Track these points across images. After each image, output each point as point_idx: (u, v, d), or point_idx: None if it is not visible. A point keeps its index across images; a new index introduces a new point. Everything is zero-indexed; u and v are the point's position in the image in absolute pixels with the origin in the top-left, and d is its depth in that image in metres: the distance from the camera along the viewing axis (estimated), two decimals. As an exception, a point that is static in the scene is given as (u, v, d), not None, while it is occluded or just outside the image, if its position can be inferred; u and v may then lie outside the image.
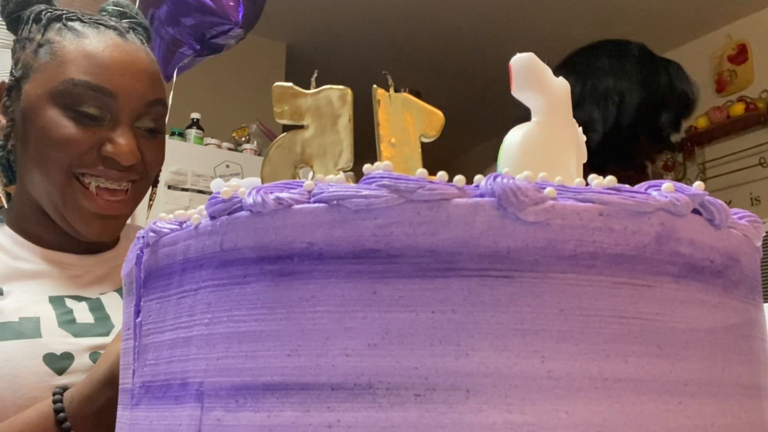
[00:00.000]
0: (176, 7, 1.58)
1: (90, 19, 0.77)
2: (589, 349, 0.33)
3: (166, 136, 0.83)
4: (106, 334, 0.73)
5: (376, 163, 0.35)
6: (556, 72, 0.43)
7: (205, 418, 0.35)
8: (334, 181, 0.36)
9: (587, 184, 0.36)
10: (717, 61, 3.67)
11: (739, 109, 3.42)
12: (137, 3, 1.53)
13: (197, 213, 0.38)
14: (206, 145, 2.94)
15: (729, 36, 3.63)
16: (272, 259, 0.34)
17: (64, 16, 0.77)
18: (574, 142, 0.45)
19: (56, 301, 0.73)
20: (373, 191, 0.33)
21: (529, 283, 0.33)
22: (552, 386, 0.32)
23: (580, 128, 0.47)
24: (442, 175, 0.34)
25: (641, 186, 0.36)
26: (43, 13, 0.77)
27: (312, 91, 0.43)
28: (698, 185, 0.37)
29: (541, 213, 0.33)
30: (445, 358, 0.32)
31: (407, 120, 0.43)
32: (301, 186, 0.35)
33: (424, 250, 0.33)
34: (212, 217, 0.37)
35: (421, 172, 0.34)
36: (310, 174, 0.42)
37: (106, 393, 0.61)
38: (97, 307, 0.75)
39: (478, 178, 0.35)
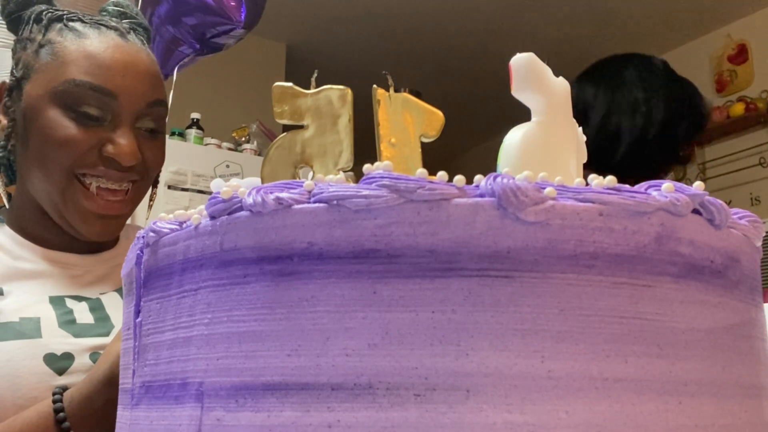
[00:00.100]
0: (178, 5, 1.58)
1: (91, 19, 0.77)
2: (589, 349, 0.33)
3: (166, 136, 0.83)
4: (106, 334, 0.73)
5: (376, 163, 0.35)
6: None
7: (205, 418, 0.35)
8: (334, 181, 0.36)
9: (587, 184, 0.36)
10: (717, 61, 3.66)
11: (739, 109, 3.42)
12: (138, 2, 1.53)
13: (197, 213, 0.38)
14: (206, 145, 2.94)
15: (729, 36, 3.63)
16: (272, 259, 0.34)
17: (65, 16, 0.77)
18: (574, 142, 0.45)
19: (56, 302, 0.73)
20: (373, 191, 0.33)
21: (529, 283, 0.33)
22: (552, 386, 0.32)
23: (580, 128, 0.47)
24: (442, 175, 0.34)
25: (641, 186, 0.36)
26: (44, 13, 0.77)
27: (312, 91, 0.43)
28: (698, 185, 0.37)
29: (541, 213, 0.33)
30: (445, 358, 0.32)
31: (407, 120, 0.43)
32: (301, 186, 0.35)
33: (424, 250, 0.33)
34: (212, 217, 0.37)
35: (421, 172, 0.34)
36: (310, 174, 0.42)
37: (106, 393, 0.61)
38: (97, 307, 0.75)
39: (478, 178, 0.35)
